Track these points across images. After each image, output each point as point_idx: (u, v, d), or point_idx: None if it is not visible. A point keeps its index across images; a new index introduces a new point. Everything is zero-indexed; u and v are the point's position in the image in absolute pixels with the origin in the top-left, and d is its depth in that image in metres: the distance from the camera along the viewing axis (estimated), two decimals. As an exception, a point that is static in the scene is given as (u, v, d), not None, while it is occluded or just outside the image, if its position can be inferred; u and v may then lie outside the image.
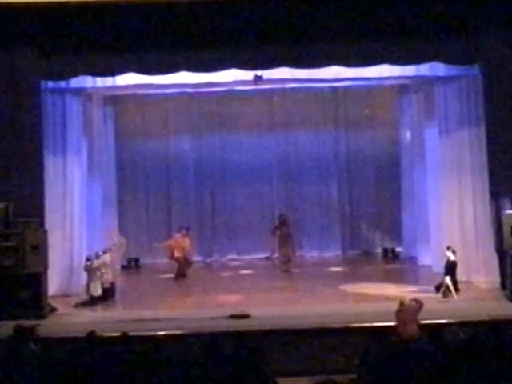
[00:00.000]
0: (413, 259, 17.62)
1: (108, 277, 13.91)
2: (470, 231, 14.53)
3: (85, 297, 13.75)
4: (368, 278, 15.58)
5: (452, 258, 13.32)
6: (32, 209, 13.20)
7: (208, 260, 19.40)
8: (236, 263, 18.93)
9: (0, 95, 13.50)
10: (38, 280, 12.72)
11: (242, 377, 7.29)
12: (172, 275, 16.48)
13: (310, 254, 19.30)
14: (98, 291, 13.65)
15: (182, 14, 13.18)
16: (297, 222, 18.25)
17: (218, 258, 19.49)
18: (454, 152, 14.88)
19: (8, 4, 12.82)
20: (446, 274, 13.16)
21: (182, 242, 16.74)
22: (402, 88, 18.02)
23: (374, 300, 13.25)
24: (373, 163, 19.54)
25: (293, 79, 15.24)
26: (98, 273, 13.74)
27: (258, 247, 19.10)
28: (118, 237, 16.84)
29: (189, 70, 13.99)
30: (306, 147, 19.62)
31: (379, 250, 19.34)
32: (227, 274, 17.43)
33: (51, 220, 13.86)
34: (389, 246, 19.14)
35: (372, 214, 19.55)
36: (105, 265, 13.93)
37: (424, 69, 14.60)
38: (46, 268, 13.02)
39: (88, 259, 14.02)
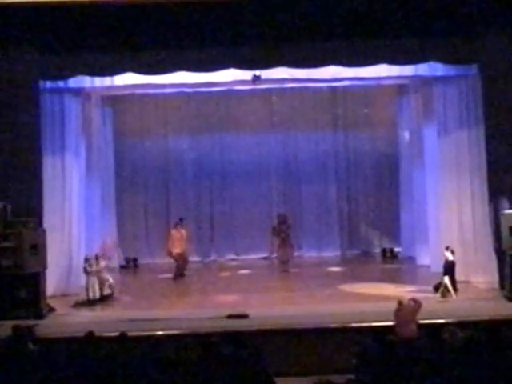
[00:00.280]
0: (411, 259, 17.62)
1: (106, 282, 13.88)
2: (468, 231, 14.53)
3: (83, 297, 13.73)
4: (367, 278, 15.58)
5: (450, 258, 13.33)
6: (30, 209, 13.18)
7: (206, 260, 19.40)
8: (234, 263, 18.94)
9: (-2, 95, 13.52)
10: (36, 280, 12.70)
11: (241, 377, 7.29)
12: (170, 275, 16.46)
13: (309, 254, 19.31)
14: (96, 295, 13.64)
15: (181, 13, 13.18)
16: (295, 222, 18.24)
17: (217, 258, 19.49)
18: (453, 152, 14.87)
19: (6, 4, 12.81)
20: (444, 274, 13.16)
21: (178, 237, 16.66)
22: (401, 88, 18.02)
23: (372, 300, 13.24)
24: (371, 163, 19.55)
25: (291, 79, 15.23)
26: (97, 277, 13.74)
27: (256, 247, 19.11)
28: (110, 249, 16.51)
29: (187, 69, 13.98)
30: (305, 147, 19.61)
31: (378, 250, 19.34)
32: (226, 273, 17.42)
33: (50, 220, 13.85)
34: (387, 245, 19.14)
35: (371, 214, 19.54)
36: (103, 270, 13.95)
37: (422, 69, 14.60)
38: (44, 268, 13.01)
39: (86, 260, 14.01)
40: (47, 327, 11.36)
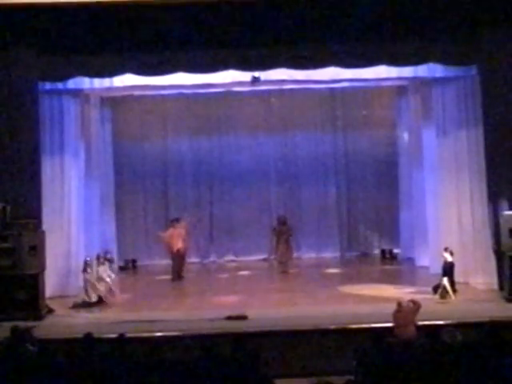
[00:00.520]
0: (410, 260, 17.61)
1: (103, 288, 13.84)
2: (467, 232, 14.52)
3: (82, 298, 13.71)
4: (366, 280, 15.57)
5: (449, 259, 13.32)
6: (29, 210, 13.18)
7: (205, 261, 19.39)
8: (234, 264, 18.92)
9: (-3, 96, 13.51)
10: (35, 281, 12.69)
11: (240, 378, 7.29)
12: (169, 276, 16.44)
13: (308, 255, 19.29)
14: (95, 297, 13.64)
15: (180, 15, 13.17)
16: (294, 223, 18.21)
17: (216, 260, 19.47)
18: (452, 153, 14.87)
19: (5, 4, 12.80)
20: (443, 276, 13.16)
21: (177, 234, 16.59)
22: (400, 89, 18.02)
23: (371, 301, 13.22)
24: (370, 164, 19.52)
25: (290, 80, 15.22)
26: (96, 279, 13.73)
27: (255, 248, 19.08)
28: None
29: (186, 71, 13.98)
30: (304, 148, 19.59)
31: (377, 252, 19.32)
32: (225, 275, 17.39)
33: (49, 221, 13.84)
34: (387, 247, 19.12)
35: (370, 215, 19.52)
36: (103, 272, 13.94)
37: (422, 70, 14.60)
38: (43, 269, 13.00)
39: (86, 261, 14.00)
40: (46, 328, 11.35)
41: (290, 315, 12.10)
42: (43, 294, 13.00)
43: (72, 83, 14.36)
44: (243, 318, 11.68)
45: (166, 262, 17.37)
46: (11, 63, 13.40)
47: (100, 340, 9.12)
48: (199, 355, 7.82)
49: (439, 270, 13.49)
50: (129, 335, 9.16)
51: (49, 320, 12.51)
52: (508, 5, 13.18)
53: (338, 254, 19.48)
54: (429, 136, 15.89)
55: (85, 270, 13.81)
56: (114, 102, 18.56)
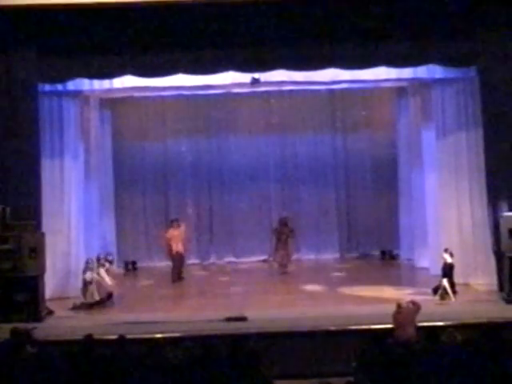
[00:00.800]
0: (410, 262, 17.62)
1: (103, 289, 13.84)
2: (467, 233, 14.54)
3: (82, 300, 13.71)
4: (366, 281, 15.57)
5: (449, 260, 13.33)
6: (29, 211, 13.16)
7: (205, 262, 19.37)
8: (234, 265, 18.91)
9: (-3, 98, 13.52)
10: (35, 283, 12.70)
11: (239, 380, 7.28)
12: (169, 278, 16.43)
13: (308, 257, 19.29)
14: (95, 298, 13.63)
15: (180, 16, 13.19)
16: (294, 225, 18.20)
17: (216, 261, 19.46)
18: (452, 154, 14.88)
19: (4, 6, 12.81)
20: (443, 277, 13.17)
21: (176, 235, 16.58)
22: (400, 90, 18.01)
23: (371, 302, 13.23)
24: (370, 166, 19.53)
25: (290, 82, 15.25)
26: (96, 280, 13.73)
27: (255, 249, 19.07)
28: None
29: (186, 72, 13.99)
30: (304, 149, 19.59)
31: (377, 253, 19.31)
32: (224, 276, 17.40)
33: (48, 223, 13.84)
34: (386, 248, 19.11)
35: (369, 216, 19.47)
36: (104, 273, 13.94)
37: (421, 71, 14.62)
38: (43, 271, 13.00)
39: (87, 262, 14.00)
40: (46, 330, 11.32)
41: (290, 316, 12.10)
42: (43, 295, 13.01)
43: (72, 85, 14.39)
44: (243, 319, 11.68)
45: (166, 263, 17.37)
46: (11, 65, 13.41)
47: (100, 341, 9.11)
48: (198, 356, 7.81)
49: (439, 271, 13.51)
50: (129, 336, 9.14)
51: (49, 322, 12.52)
52: (507, 6, 13.18)
53: (337, 255, 19.48)
54: (428, 137, 15.89)
55: (85, 272, 13.81)
56: (114, 104, 18.56)
